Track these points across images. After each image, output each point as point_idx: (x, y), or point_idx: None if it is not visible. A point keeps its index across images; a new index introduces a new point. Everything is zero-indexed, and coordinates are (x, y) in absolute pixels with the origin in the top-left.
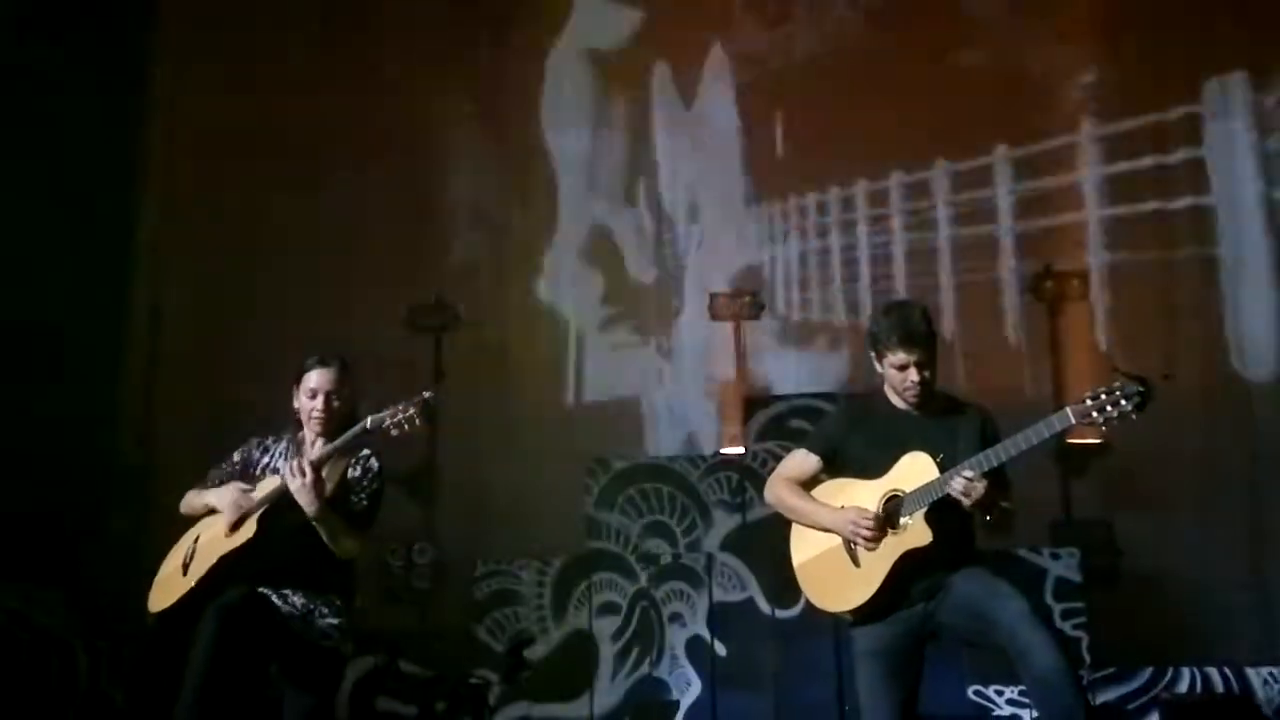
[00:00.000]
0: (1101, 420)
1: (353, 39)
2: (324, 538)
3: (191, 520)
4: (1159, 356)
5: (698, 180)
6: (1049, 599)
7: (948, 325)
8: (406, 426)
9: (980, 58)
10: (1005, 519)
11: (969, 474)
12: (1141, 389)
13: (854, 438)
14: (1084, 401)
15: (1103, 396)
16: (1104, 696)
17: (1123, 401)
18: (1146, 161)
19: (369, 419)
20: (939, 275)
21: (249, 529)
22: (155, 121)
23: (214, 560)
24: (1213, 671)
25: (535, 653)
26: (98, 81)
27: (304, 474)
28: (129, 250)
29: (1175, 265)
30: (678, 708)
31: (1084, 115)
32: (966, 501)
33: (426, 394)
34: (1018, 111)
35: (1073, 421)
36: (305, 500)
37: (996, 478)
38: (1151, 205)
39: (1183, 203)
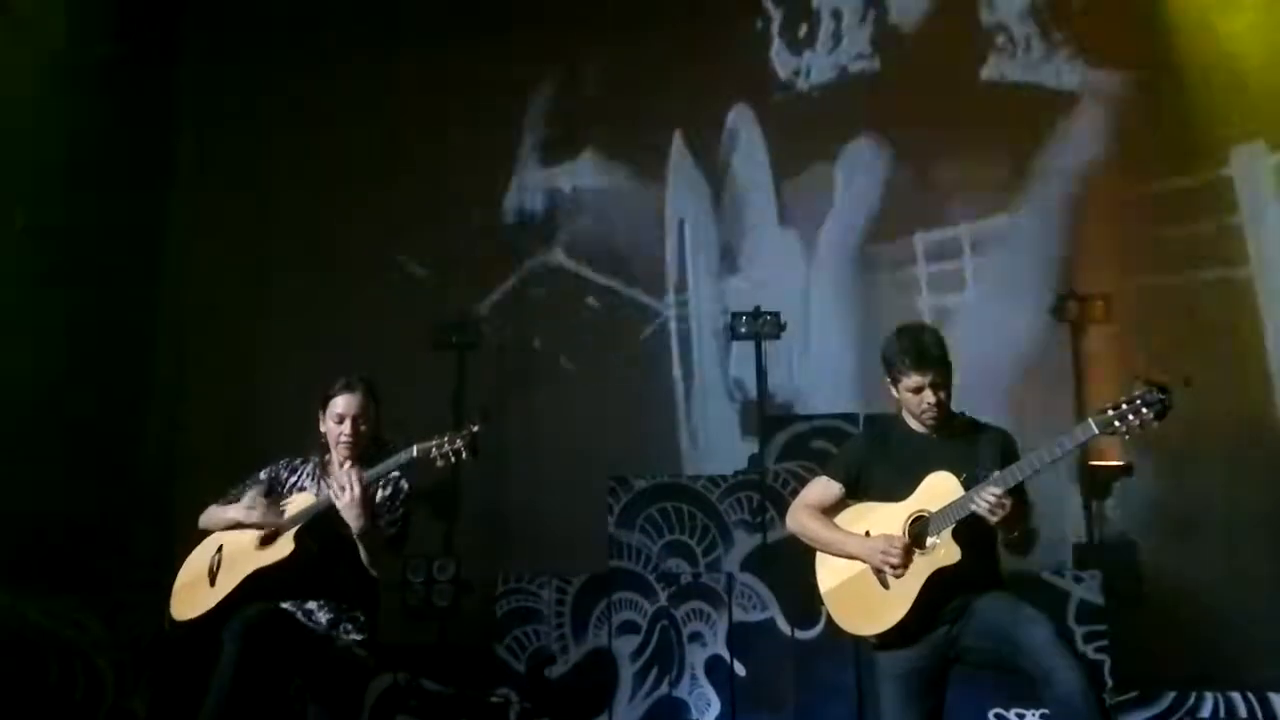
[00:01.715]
0: (1124, 429)
1: (381, 58)
2: (363, 555)
3: (210, 530)
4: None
5: (718, 206)
6: (1071, 622)
7: (969, 347)
8: (453, 459)
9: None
10: (1027, 539)
11: (996, 490)
12: (1163, 396)
13: (875, 462)
14: (1106, 411)
15: (1124, 406)
16: None
17: (1144, 410)
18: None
19: (415, 447)
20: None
21: (285, 546)
22: (187, 132)
23: (245, 574)
24: (1236, 697)
25: (555, 671)
26: (130, 85)
27: (352, 491)
28: (158, 264)
29: (1202, 289)
30: None
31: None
32: (993, 519)
33: (474, 427)
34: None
35: (1095, 431)
36: (353, 516)
37: (1019, 497)
38: (1179, 230)
39: (1210, 225)
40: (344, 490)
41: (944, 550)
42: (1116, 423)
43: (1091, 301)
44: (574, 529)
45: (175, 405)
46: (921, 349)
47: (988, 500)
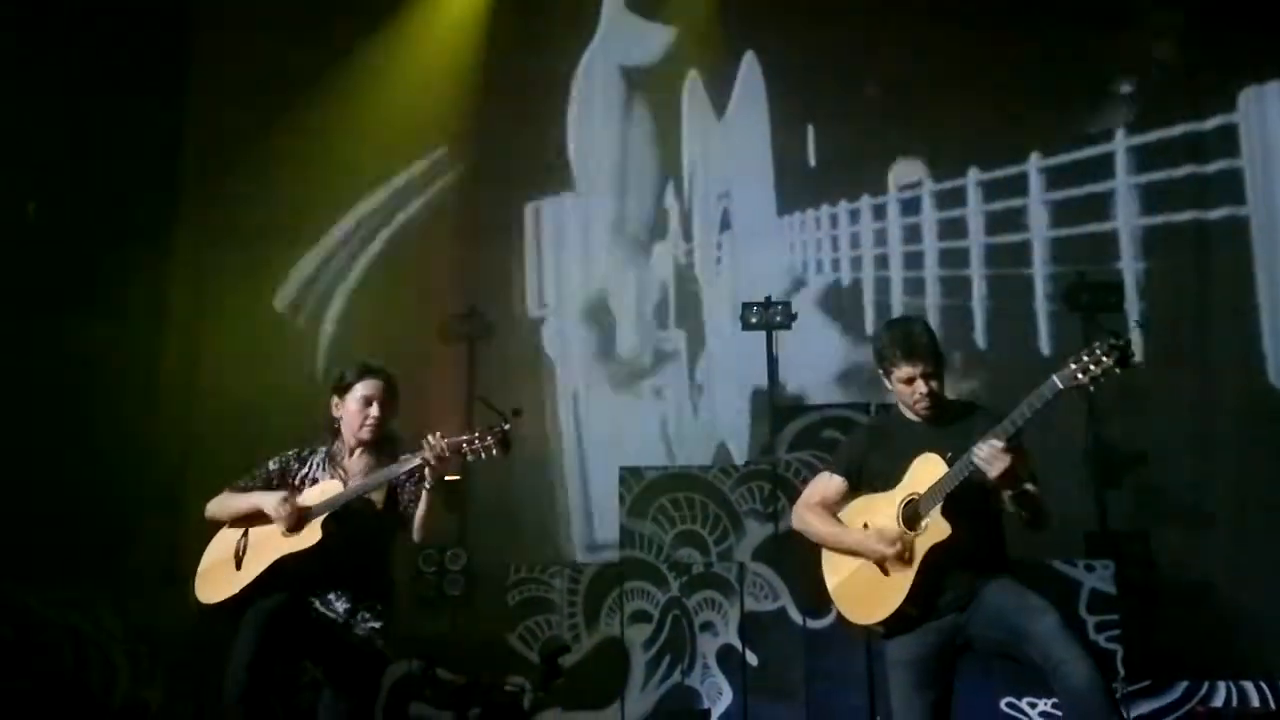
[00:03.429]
0: (1088, 380)
1: (380, 48)
2: (420, 514)
3: (220, 521)
4: (1195, 368)
5: (729, 189)
6: (1083, 611)
7: (979, 335)
8: (483, 455)
9: (1014, 66)
10: (1036, 507)
11: (995, 442)
12: (1118, 343)
13: (873, 454)
14: (1069, 366)
15: (1085, 358)
16: (1138, 710)
17: (1104, 359)
18: (1182, 171)
19: (446, 441)
20: (971, 284)
21: (314, 533)
22: (195, 122)
23: (272, 559)
24: (1248, 686)
25: (567, 660)
26: (141, 75)
27: (439, 443)
28: (169, 254)
29: (1211, 275)
30: (709, 717)
31: (1118, 125)
32: (992, 470)
33: (506, 426)
34: (1051, 120)
35: (1060, 386)
36: (437, 470)
37: (1014, 450)
38: (1187, 215)
39: (1219, 213)
40: (430, 447)
41: (934, 527)
42: (1079, 375)
43: (1102, 289)
44: (586, 518)
45: (186, 396)
46: (912, 340)
47: (986, 449)
